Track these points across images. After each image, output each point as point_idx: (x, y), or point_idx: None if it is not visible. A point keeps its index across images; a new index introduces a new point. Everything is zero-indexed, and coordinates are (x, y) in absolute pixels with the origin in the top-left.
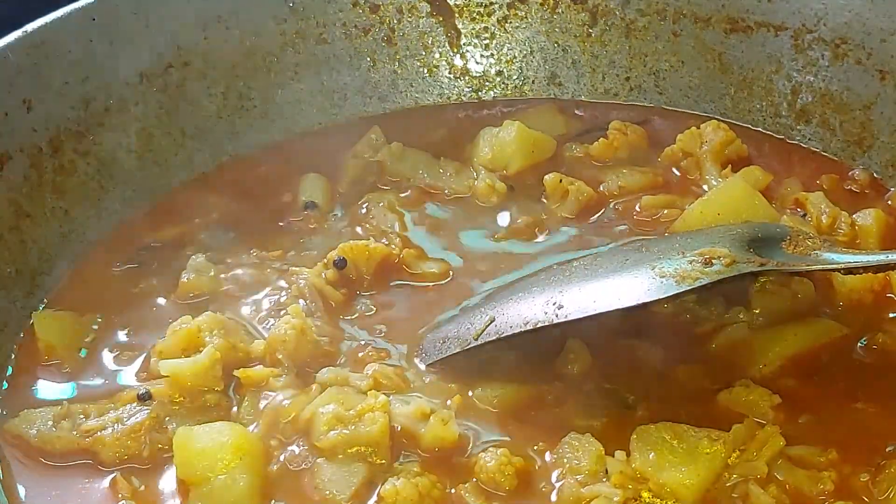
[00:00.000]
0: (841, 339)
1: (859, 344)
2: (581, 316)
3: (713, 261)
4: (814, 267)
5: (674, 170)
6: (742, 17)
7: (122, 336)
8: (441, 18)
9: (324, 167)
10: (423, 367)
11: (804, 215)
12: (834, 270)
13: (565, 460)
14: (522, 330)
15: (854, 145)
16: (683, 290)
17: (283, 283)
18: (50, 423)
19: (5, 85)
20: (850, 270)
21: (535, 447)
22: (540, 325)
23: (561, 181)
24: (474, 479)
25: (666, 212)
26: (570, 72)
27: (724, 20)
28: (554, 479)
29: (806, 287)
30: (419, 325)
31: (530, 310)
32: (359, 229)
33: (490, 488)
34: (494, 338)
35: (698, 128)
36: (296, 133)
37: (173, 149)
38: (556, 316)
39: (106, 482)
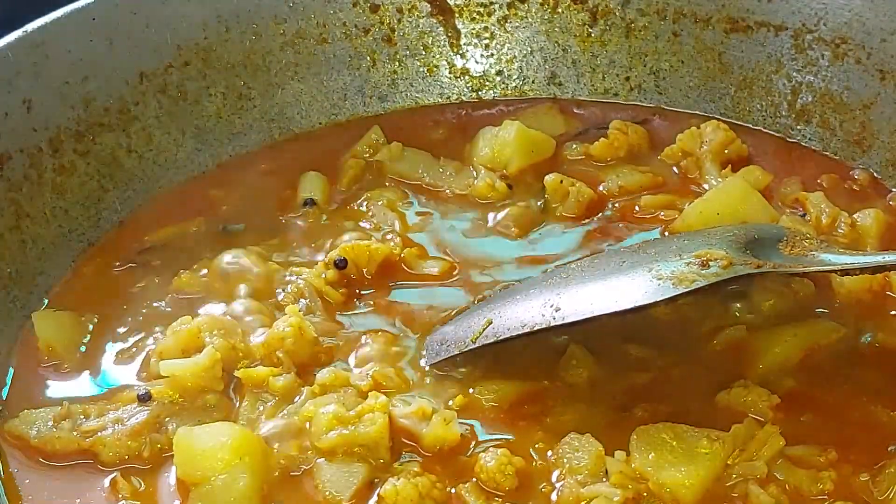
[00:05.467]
0: (840, 338)
1: (859, 343)
2: (578, 319)
3: (710, 263)
4: (811, 268)
5: (674, 169)
6: (742, 17)
7: (121, 336)
8: (441, 18)
9: (324, 167)
10: (424, 367)
11: (804, 215)
12: (831, 272)
13: (565, 460)
14: (520, 333)
15: (854, 145)
16: (681, 292)
17: (282, 282)
18: (50, 423)
19: (5, 85)
20: (847, 272)
21: (536, 447)
22: (537, 327)
23: (561, 182)
24: (474, 479)
25: (665, 212)
26: (570, 71)
27: (724, 20)
28: (554, 478)
29: (806, 287)
30: (420, 325)
31: (527, 312)
32: (359, 229)
33: (490, 488)
34: (492, 340)
35: (698, 128)
36: (296, 133)
37: (173, 149)
38: (554, 318)
39: (106, 482)
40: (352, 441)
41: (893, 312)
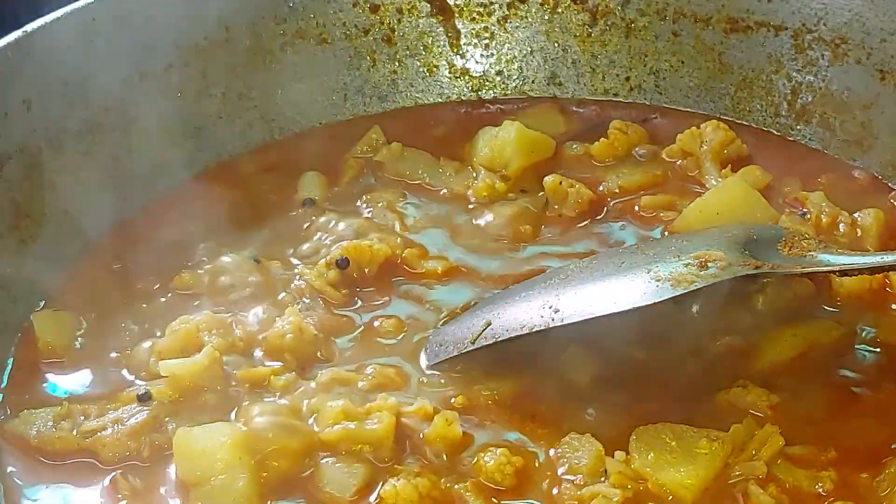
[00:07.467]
0: (840, 338)
1: (859, 343)
2: (577, 320)
3: (709, 264)
4: (809, 269)
5: (674, 169)
6: (742, 17)
7: (121, 336)
8: (441, 18)
9: (323, 167)
10: (425, 367)
11: (804, 214)
12: (829, 272)
13: (565, 460)
14: (519, 334)
15: (854, 145)
16: (679, 293)
17: (283, 281)
18: (50, 423)
19: (5, 85)
20: (845, 272)
21: (535, 447)
22: (536, 329)
23: (561, 183)
24: (474, 479)
25: (665, 212)
26: (570, 71)
27: (724, 20)
28: (553, 478)
29: (805, 287)
30: (421, 326)
31: (526, 314)
32: (359, 229)
33: (490, 488)
34: (491, 341)
35: (698, 128)
36: (296, 133)
37: (173, 149)
38: (553, 320)
39: (106, 482)
40: (356, 437)
41: (894, 307)
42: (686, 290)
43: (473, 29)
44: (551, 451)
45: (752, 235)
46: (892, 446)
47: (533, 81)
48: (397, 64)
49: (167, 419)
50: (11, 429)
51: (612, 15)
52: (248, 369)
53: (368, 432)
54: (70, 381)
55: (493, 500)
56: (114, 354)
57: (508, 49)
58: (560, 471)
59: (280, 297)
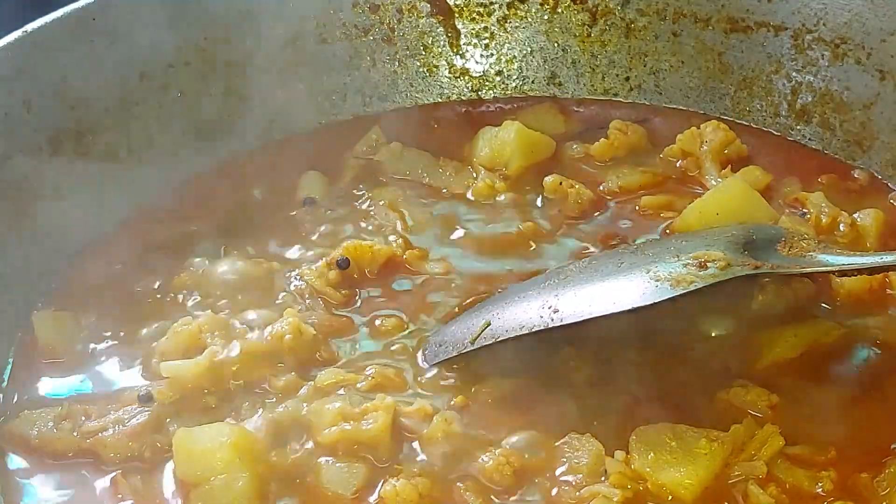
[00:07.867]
0: (840, 337)
1: (859, 343)
2: (576, 320)
3: (708, 264)
4: (809, 269)
5: (674, 169)
6: (742, 17)
7: (122, 336)
8: (441, 18)
9: (324, 167)
10: (424, 367)
11: (804, 215)
12: (829, 272)
13: (565, 460)
14: (518, 334)
15: (854, 145)
16: (678, 293)
17: (283, 282)
18: (51, 423)
19: (5, 85)
20: (845, 272)
21: (535, 447)
22: (535, 329)
23: (561, 183)
24: (474, 479)
25: (665, 212)
26: (569, 71)
27: (724, 20)
28: (553, 478)
29: (805, 287)
30: (421, 326)
31: (526, 314)
32: (359, 229)
33: (489, 487)
34: (490, 342)
35: (698, 128)
36: (296, 133)
37: (173, 149)
38: (552, 320)
39: (106, 482)
40: (353, 438)
41: (892, 313)
42: (685, 291)
43: (473, 29)
44: (551, 451)
45: (751, 235)
46: (892, 446)
47: (533, 81)
48: (397, 64)
49: (168, 420)
50: (12, 429)
51: (612, 15)
52: (248, 370)
53: (364, 433)
54: (70, 382)
55: (493, 499)
56: (114, 355)
57: (508, 49)
58: (560, 471)
59: (280, 298)
